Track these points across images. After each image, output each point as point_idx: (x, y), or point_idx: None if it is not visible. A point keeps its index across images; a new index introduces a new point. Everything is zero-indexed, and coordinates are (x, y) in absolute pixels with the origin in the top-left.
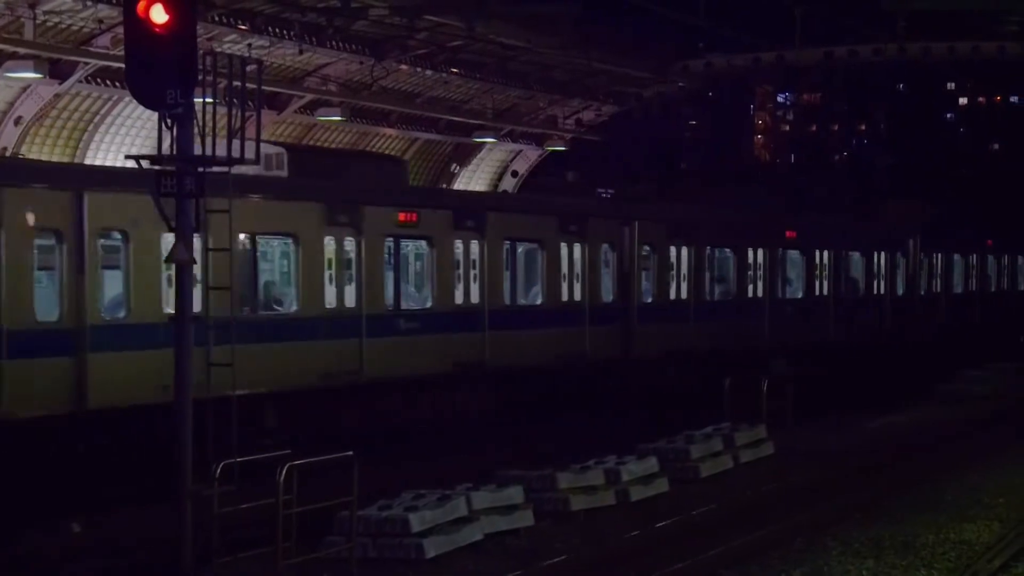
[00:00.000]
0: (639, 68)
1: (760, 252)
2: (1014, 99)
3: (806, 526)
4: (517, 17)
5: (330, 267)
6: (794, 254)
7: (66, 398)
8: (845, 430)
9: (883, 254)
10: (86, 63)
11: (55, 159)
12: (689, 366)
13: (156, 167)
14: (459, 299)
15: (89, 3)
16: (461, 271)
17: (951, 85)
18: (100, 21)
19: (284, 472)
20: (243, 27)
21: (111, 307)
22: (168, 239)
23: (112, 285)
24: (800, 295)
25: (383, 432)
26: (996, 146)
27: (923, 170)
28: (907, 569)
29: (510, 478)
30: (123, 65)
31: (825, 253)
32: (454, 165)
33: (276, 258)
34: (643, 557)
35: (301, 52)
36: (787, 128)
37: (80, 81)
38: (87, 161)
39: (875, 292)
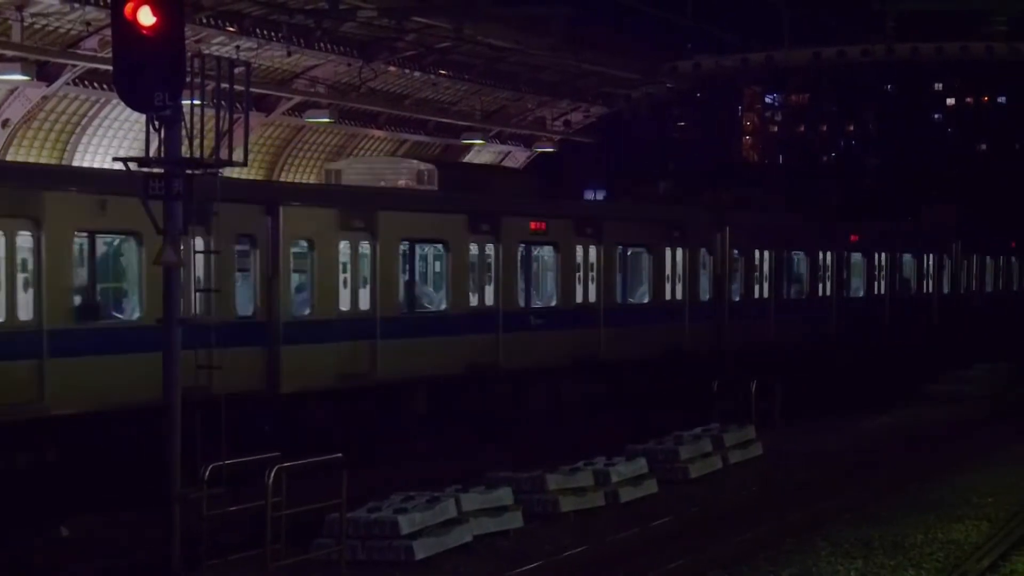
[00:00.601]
0: (628, 69)
1: (828, 255)
2: (1001, 99)
3: (795, 527)
4: (506, 18)
5: (473, 270)
6: (857, 256)
7: (260, 383)
8: (838, 431)
9: (931, 256)
10: (74, 65)
11: (43, 161)
12: (769, 357)
13: (144, 170)
14: (579, 298)
15: (77, 5)
16: (581, 273)
17: (939, 85)
18: (88, 23)
19: (273, 475)
20: (231, 29)
21: (299, 305)
22: (343, 245)
23: (299, 286)
24: (862, 294)
25: (519, 415)
26: (984, 146)
27: (911, 170)
28: (896, 569)
29: (499, 480)
30: (111, 67)
31: (883, 255)
32: None
33: (430, 262)
34: (632, 558)
35: (289, 54)
36: (775, 129)
37: (68, 83)
38: (74, 163)
39: (924, 291)
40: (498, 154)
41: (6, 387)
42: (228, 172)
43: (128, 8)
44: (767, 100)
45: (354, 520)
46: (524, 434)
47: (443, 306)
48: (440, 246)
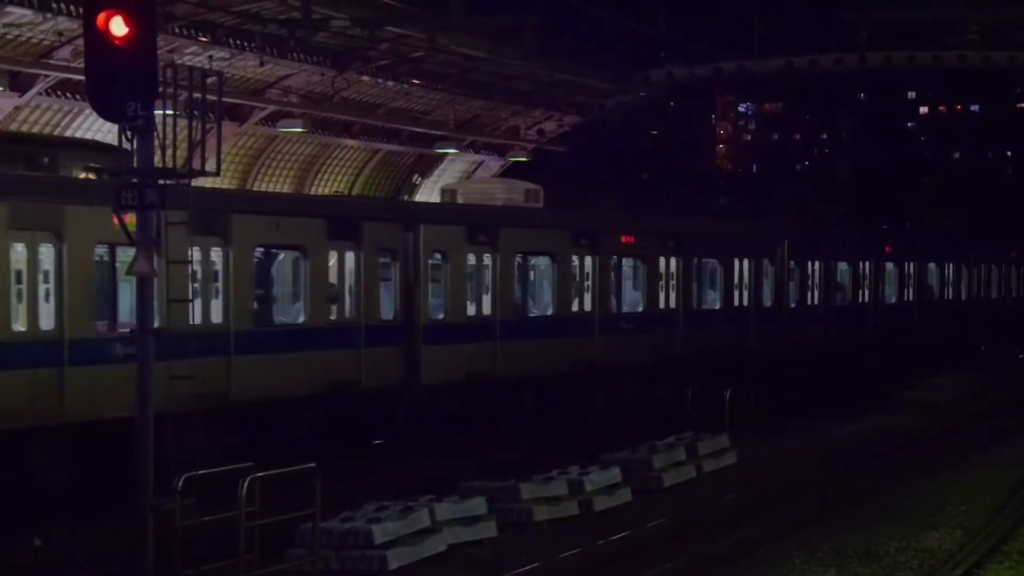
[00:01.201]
0: (601, 78)
1: (867, 264)
2: (974, 108)
3: (769, 535)
4: (478, 28)
5: (575, 280)
6: (890, 265)
7: (400, 377)
8: (812, 438)
9: (950, 265)
10: (46, 76)
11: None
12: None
13: (117, 180)
14: (662, 304)
15: (49, 16)
16: (663, 282)
17: (912, 94)
18: (60, 34)
19: (246, 485)
20: (204, 39)
21: (434, 310)
22: (471, 258)
23: (434, 294)
24: (893, 300)
25: (612, 407)
26: (957, 154)
27: (885, 178)
28: None
29: (473, 489)
30: (83, 78)
31: (912, 264)
32: (416, 176)
33: (539, 273)
34: (606, 567)
35: (262, 64)
36: (749, 137)
37: (40, 94)
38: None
39: (946, 297)
40: (471, 163)
41: (211, 378)
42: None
43: (100, 18)
44: (740, 109)
45: (327, 530)
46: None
47: (550, 311)
48: (548, 258)
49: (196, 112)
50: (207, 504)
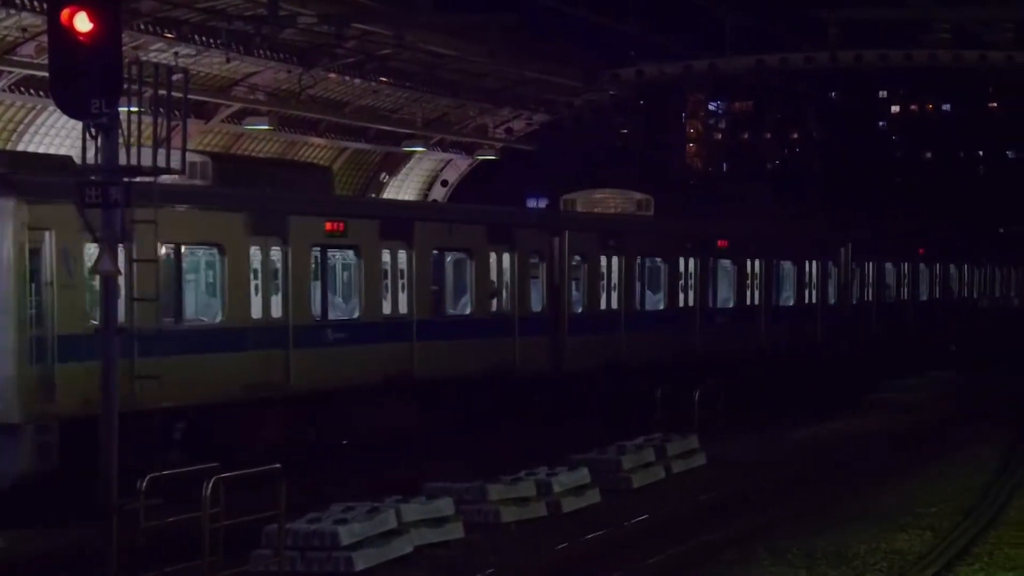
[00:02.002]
0: (570, 76)
1: (905, 265)
2: (946, 107)
3: (738, 536)
4: (446, 25)
5: (682, 279)
6: (923, 266)
7: (546, 363)
8: (782, 439)
9: (964, 265)
10: (10, 72)
11: None
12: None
13: (81, 177)
14: (747, 301)
15: (12, 11)
16: (749, 281)
17: (883, 93)
18: (24, 29)
19: (210, 485)
20: (169, 35)
21: (575, 304)
22: (603, 260)
23: (576, 290)
24: (925, 298)
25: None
26: (929, 154)
27: (856, 178)
28: None
29: (439, 490)
30: (47, 74)
31: (938, 265)
32: (383, 175)
33: (652, 273)
34: (574, 569)
35: (228, 61)
36: (719, 136)
37: (4, 90)
38: None
39: (968, 296)
40: (439, 162)
41: (399, 359)
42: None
43: (64, 14)
44: (711, 107)
45: (293, 531)
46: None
47: (661, 306)
48: (660, 259)
49: (161, 109)
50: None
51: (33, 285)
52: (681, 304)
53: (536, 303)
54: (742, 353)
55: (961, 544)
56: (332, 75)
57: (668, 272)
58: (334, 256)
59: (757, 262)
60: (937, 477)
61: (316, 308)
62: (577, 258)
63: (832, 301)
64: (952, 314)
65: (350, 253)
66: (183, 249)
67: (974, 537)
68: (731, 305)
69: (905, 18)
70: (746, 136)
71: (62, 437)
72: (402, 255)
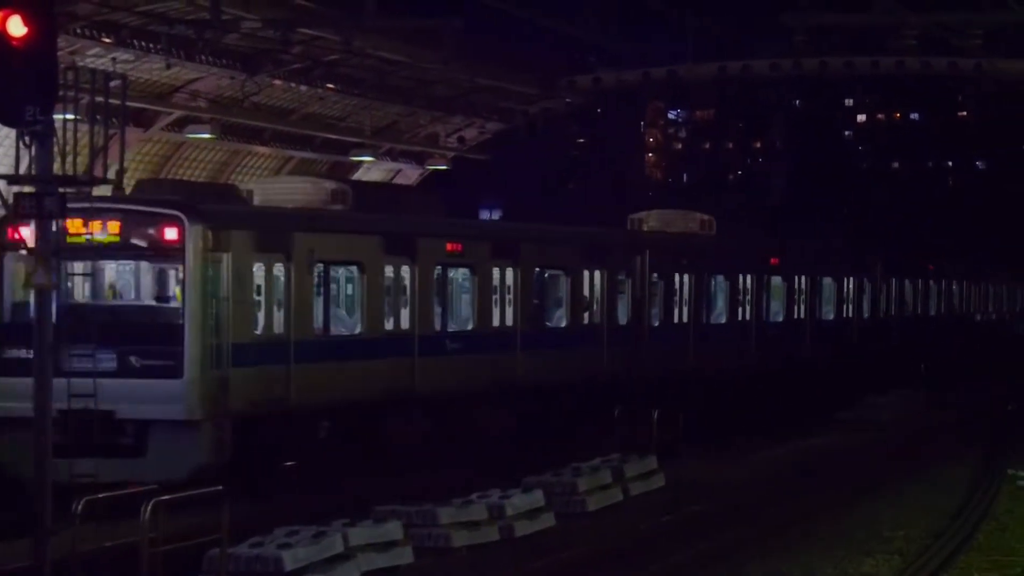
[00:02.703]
0: (524, 83)
1: (920, 282)
2: (914, 116)
3: (699, 560)
4: (396, 30)
5: (745, 294)
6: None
7: (629, 370)
8: (745, 460)
9: (966, 283)
10: None
11: None
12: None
13: (14, 188)
14: (794, 315)
15: None
16: (797, 296)
17: (849, 101)
18: None
19: (149, 508)
20: (107, 40)
21: (654, 318)
22: (677, 277)
23: (659, 304)
24: (932, 313)
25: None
26: (896, 164)
27: (821, 189)
28: None
29: (388, 513)
30: None
31: (943, 282)
32: None
33: (718, 290)
34: None
35: (169, 66)
36: (679, 146)
37: None
38: None
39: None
40: (389, 172)
41: (504, 367)
42: None
43: None
44: (671, 115)
45: (235, 556)
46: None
47: (723, 319)
48: (723, 277)
49: (99, 117)
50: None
51: (212, 300)
52: (740, 318)
53: (622, 316)
54: (790, 363)
55: (930, 569)
56: (277, 82)
57: (729, 288)
58: (453, 274)
59: (804, 278)
60: (906, 498)
61: (437, 321)
62: (655, 276)
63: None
64: (925, 330)
65: (466, 271)
66: (330, 268)
67: (943, 562)
68: (780, 319)
69: (872, 24)
70: (707, 146)
71: (233, 433)
72: (509, 273)
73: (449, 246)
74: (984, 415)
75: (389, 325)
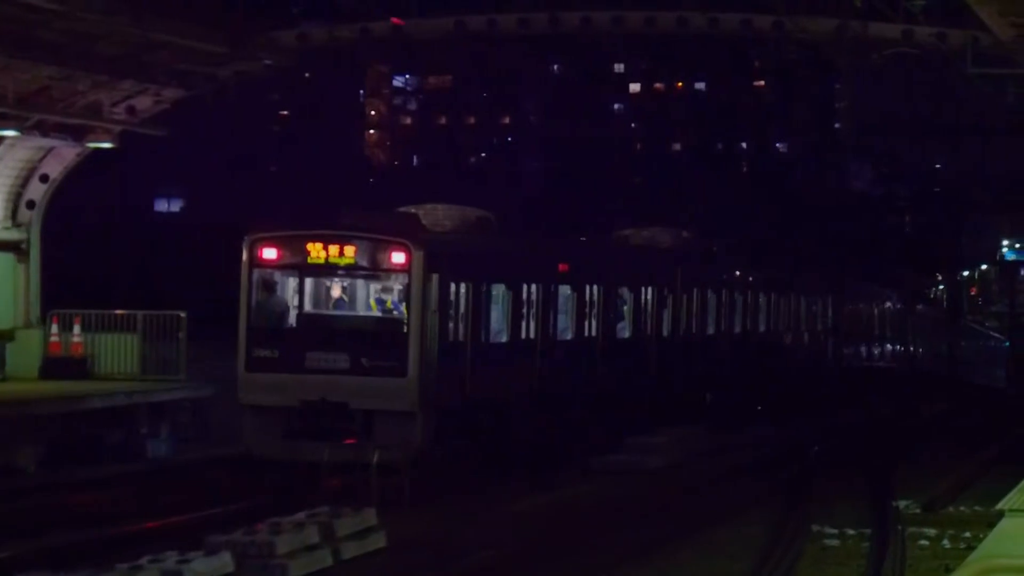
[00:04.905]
0: (212, 40)
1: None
2: (700, 86)
3: None
4: None
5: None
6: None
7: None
8: (486, 514)
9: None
10: None
11: None
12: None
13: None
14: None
15: None
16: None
17: (620, 67)
18: None
19: None
20: None
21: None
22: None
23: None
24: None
25: None
26: (678, 146)
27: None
28: None
29: None
30: None
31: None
32: None
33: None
34: None
35: None
36: (408, 121)
37: None
38: None
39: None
40: (38, 150)
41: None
42: None
43: None
44: (397, 82)
45: None
46: None
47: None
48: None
49: None
50: None
51: (426, 313)
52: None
53: (665, 328)
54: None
55: None
56: None
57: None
58: (563, 290)
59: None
60: (685, 563)
61: (551, 330)
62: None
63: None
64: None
65: (568, 288)
66: (491, 286)
67: None
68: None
69: None
70: (443, 121)
71: (438, 422)
72: (593, 289)
73: (561, 266)
74: (784, 458)
75: (523, 334)
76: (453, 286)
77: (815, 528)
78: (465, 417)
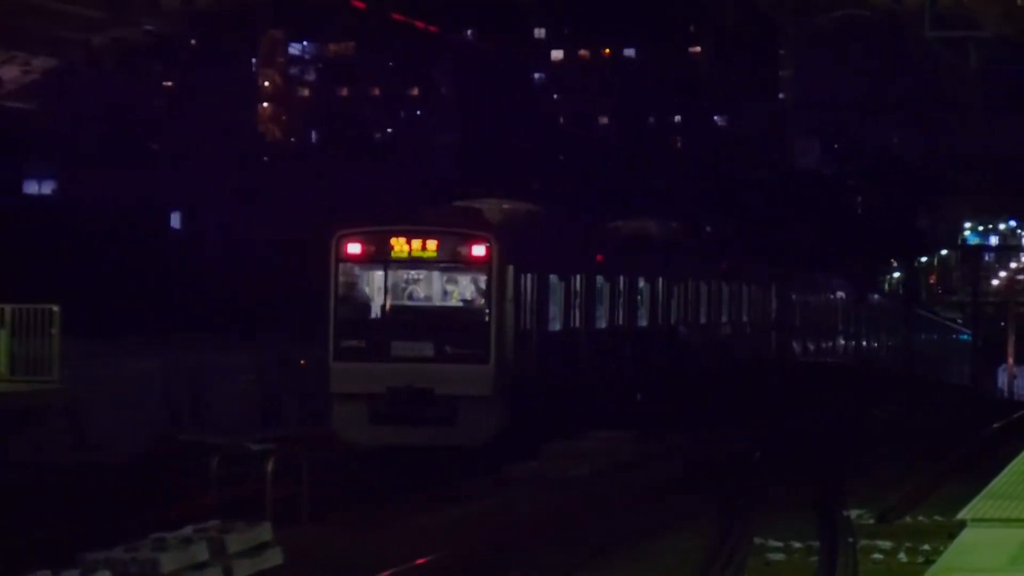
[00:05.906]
0: (90, 4)
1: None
2: (629, 53)
3: None
4: None
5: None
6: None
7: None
8: (391, 528)
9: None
10: None
11: None
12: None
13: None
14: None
15: None
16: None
17: (541, 32)
18: None
19: None
20: None
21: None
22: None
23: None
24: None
25: None
26: (605, 120)
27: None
28: None
29: None
30: None
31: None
32: None
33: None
34: None
35: None
36: (307, 92)
37: None
38: None
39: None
40: None
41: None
42: None
43: None
44: (294, 50)
45: None
46: None
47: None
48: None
49: None
50: None
51: (504, 303)
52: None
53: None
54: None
55: None
56: None
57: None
58: (600, 281)
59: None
60: None
61: (592, 319)
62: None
63: None
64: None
65: (602, 279)
66: (548, 277)
67: None
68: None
69: None
70: (345, 92)
71: (517, 406)
72: (637, 281)
73: (599, 257)
74: (722, 465)
75: (573, 323)
76: (523, 277)
77: (758, 541)
78: (539, 400)
